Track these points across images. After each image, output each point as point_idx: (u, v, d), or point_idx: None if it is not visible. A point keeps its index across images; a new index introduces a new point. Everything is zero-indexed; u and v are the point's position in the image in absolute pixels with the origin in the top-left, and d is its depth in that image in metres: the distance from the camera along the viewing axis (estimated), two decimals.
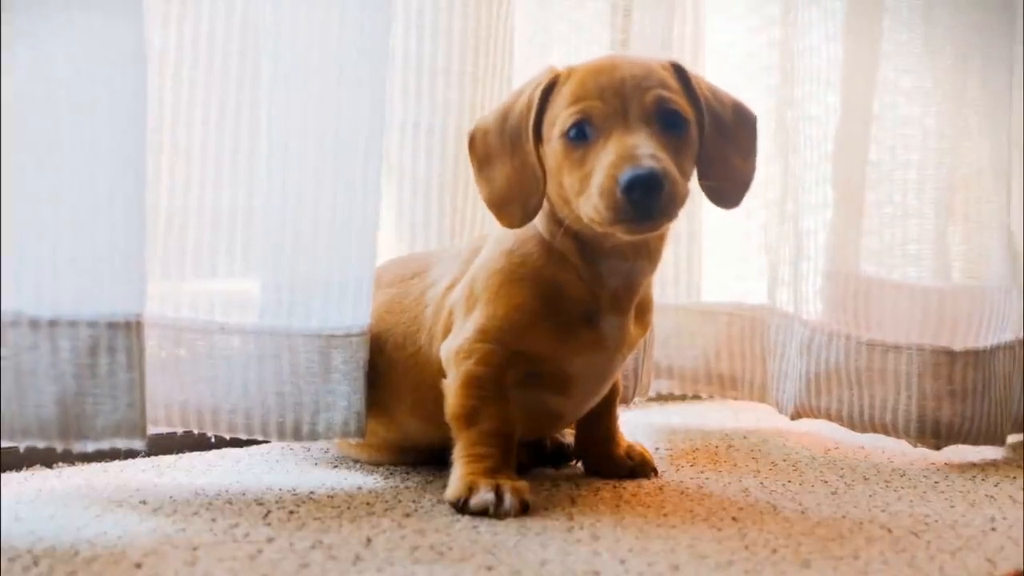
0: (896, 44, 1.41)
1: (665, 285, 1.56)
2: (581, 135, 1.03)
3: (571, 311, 1.08)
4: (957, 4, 1.39)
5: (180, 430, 1.15)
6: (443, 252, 1.23)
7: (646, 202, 0.97)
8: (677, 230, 1.56)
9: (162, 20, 1.11)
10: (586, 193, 1.01)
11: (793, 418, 1.45)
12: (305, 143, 1.12)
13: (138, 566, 0.85)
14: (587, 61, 1.07)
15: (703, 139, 1.07)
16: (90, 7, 0.96)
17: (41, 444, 0.96)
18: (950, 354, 1.36)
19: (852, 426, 1.40)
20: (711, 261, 1.62)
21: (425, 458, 1.21)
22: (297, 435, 1.13)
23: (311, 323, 1.13)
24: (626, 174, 0.96)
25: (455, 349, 1.09)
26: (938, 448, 1.37)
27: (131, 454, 1.22)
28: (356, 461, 1.26)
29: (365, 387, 1.14)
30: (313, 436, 1.14)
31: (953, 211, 1.41)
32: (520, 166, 1.07)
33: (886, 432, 1.38)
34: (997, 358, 1.39)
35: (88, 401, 0.97)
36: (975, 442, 1.37)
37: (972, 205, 1.43)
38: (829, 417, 1.42)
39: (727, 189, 1.10)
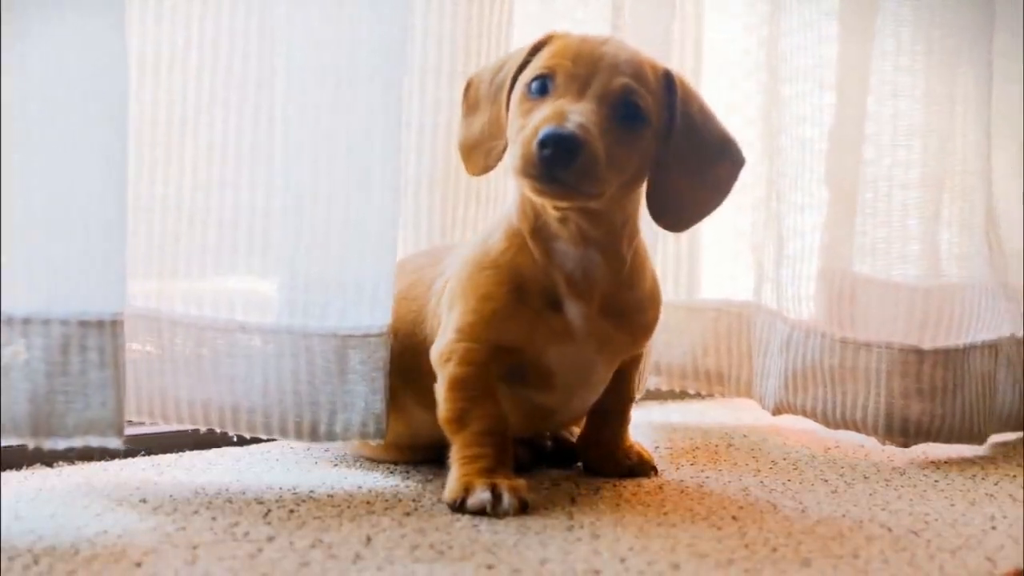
0: (885, 44, 1.42)
1: (665, 282, 1.55)
2: (541, 90, 1.04)
3: (535, 297, 1.08)
4: (947, 2, 1.40)
5: (203, 428, 1.15)
6: (458, 245, 1.23)
7: (555, 162, 0.97)
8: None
9: (185, 21, 1.12)
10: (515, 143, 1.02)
11: (774, 414, 1.46)
12: (321, 142, 1.12)
13: (138, 565, 0.85)
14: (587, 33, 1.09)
15: (668, 153, 1.07)
16: (70, 7, 0.96)
17: (13, 442, 0.97)
18: (919, 352, 1.36)
19: (825, 423, 1.41)
20: (706, 258, 1.63)
21: (433, 456, 1.21)
22: (314, 435, 1.14)
23: (327, 323, 1.13)
24: (545, 129, 0.97)
25: (439, 352, 1.10)
26: (906, 446, 1.38)
27: (131, 453, 1.22)
28: (358, 459, 1.26)
29: (386, 388, 1.14)
30: (330, 437, 1.14)
31: (936, 210, 1.42)
32: (494, 116, 1.09)
33: (856, 429, 1.39)
34: (971, 357, 1.39)
35: (59, 399, 0.97)
36: (947, 440, 1.38)
37: (953, 204, 1.43)
38: (805, 414, 1.43)
39: (673, 210, 1.10)
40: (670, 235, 1.55)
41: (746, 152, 1.53)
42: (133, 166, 1.05)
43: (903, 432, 1.37)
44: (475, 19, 1.35)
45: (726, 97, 1.57)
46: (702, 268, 1.61)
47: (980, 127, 1.43)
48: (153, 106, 1.13)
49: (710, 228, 1.60)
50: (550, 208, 1.05)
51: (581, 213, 1.06)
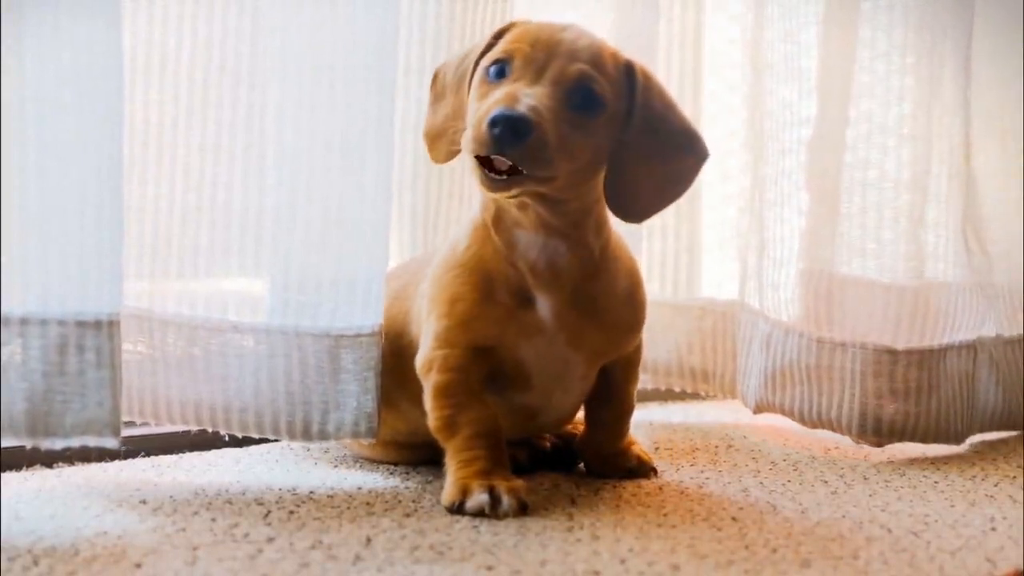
0: (868, 48, 1.42)
1: (652, 281, 1.56)
2: (499, 74, 1.04)
3: (503, 292, 1.08)
4: (930, 6, 1.40)
5: (194, 428, 1.16)
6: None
7: (504, 141, 0.97)
8: (663, 224, 1.56)
9: (177, 21, 1.12)
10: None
11: (755, 412, 1.47)
12: (313, 142, 1.12)
13: (138, 566, 0.85)
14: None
15: (627, 144, 1.06)
16: (67, 8, 0.96)
17: (10, 442, 0.97)
18: (892, 353, 1.37)
19: (802, 422, 1.42)
20: (705, 259, 1.63)
21: (432, 456, 1.21)
22: (307, 435, 1.14)
23: (319, 323, 1.13)
24: (496, 110, 0.97)
25: (421, 362, 1.10)
26: (880, 445, 1.39)
27: (131, 454, 1.22)
28: (359, 459, 1.26)
29: (377, 387, 1.14)
30: (323, 436, 1.14)
31: (913, 211, 1.42)
32: (457, 103, 1.10)
33: (832, 429, 1.40)
34: (948, 357, 1.40)
35: (57, 399, 0.97)
36: (923, 440, 1.39)
37: (929, 205, 1.44)
38: (783, 412, 1.44)
39: (629, 200, 1.09)
40: (656, 233, 1.56)
41: (739, 155, 1.55)
42: (125, 166, 1.04)
43: (876, 432, 1.38)
44: (458, 19, 1.35)
45: (725, 100, 1.57)
46: (701, 268, 1.61)
47: (960, 129, 1.45)
48: (145, 106, 1.13)
49: (708, 229, 1.60)
50: (482, 184, 1.03)
51: (538, 200, 1.05)
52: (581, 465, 1.24)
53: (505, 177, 0.99)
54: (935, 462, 1.35)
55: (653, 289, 1.55)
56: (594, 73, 1.03)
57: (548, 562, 0.89)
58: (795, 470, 1.27)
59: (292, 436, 1.14)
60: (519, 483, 1.06)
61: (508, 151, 0.97)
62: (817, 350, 1.40)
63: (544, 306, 1.09)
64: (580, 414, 1.24)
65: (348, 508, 1.05)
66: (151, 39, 1.12)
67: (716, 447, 1.39)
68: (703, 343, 1.58)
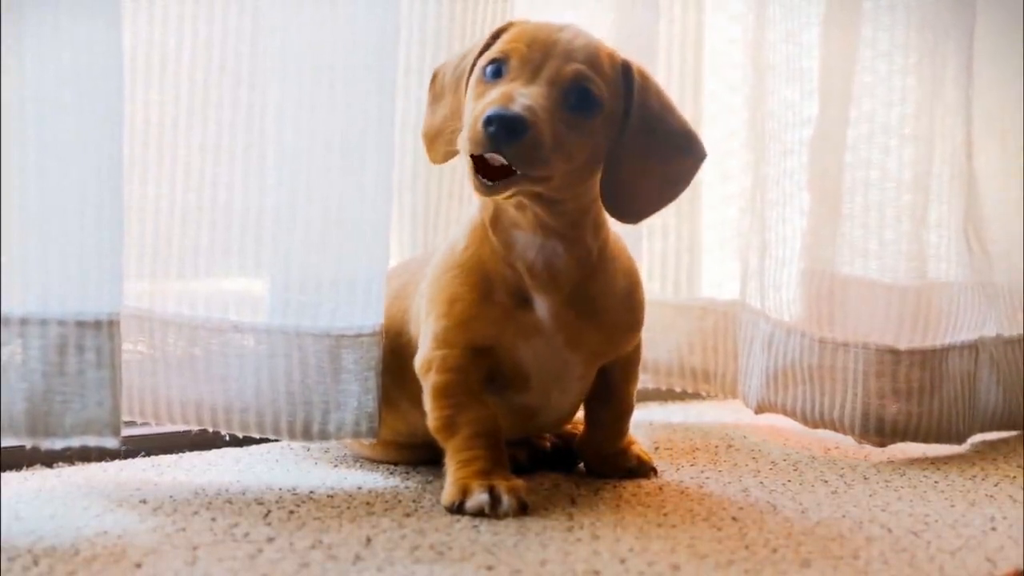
0: (869, 48, 1.43)
1: (652, 281, 1.56)
2: (496, 73, 1.04)
3: (501, 293, 1.08)
4: (932, 5, 1.41)
5: (195, 428, 1.16)
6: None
7: (499, 140, 0.96)
8: (663, 224, 1.56)
9: (177, 21, 1.12)
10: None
11: (757, 412, 1.47)
12: (314, 142, 1.12)
13: (138, 566, 0.85)
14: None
15: (624, 144, 1.06)
16: (67, 8, 0.97)
17: (10, 442, 0.97)
18: (894, 353, 1.38)
19: (805, 422, 1.42)
20: (706, 258, 1.63)
21: (432, 456, 1.21)
22: (307, 435, 1.14)
23: (320, 323, 1.13)
24: (491, 109, 0.97)
25: (420, 363, 1.10)
26: (882, 445, 1.39)
27: (131, 453, 1.23)
28: (359, 459, 1.26)
29: (378, 387, 1.15)
30: (323, 436, 1.15)
31: (915, 211, 1.42)
32: (455, 103, 1.10)
33: (834, 429, 1.41)
34: (949, 357, 1.40)
35: (56, 399, 0.97)
36: (925, 440, 1.39)
37: (931, 205, 1.44)
38: (785, 412, 1.44)
39: (626, 200, 1.08)
40: (656, 233, 1.56)
41: (740, 156, 1.55)
42: (125, 167, 1.05)
43: (879, 431, 1.38)
44: (458, 19, 1.35)
45: (726, 100, 1.57)
46: (701, 268, 1.61)
47: (961, 129, 1.45)
48: (145, 107, 1.13)
49: (709, 229, 1.61)
50: (499, 197, 1.04)
51: (536, 200, 1.05)
52: (581, 465, 1.24)
53: (497, 182, 0.99)
54: (935, 462, 1.35)
55: (654, 289, 1.55)
56: (590, 73, 1.03)
57: (548, 562, 0.89)
58: (795, 470, 1.27)
59: (292, 436, 1.15)
60: (519, 483, 1.06)
61: (503, 149, 0.97)
62: (819, 350, 1.40)
63: (542, 306, 1.09)
64: (580, 414, 1.24)
65: (348, 508, 1.05)
66: (151, 39, 1.12)
67: (716, 447, 1.39)
68: (704, 343, 1.58)
